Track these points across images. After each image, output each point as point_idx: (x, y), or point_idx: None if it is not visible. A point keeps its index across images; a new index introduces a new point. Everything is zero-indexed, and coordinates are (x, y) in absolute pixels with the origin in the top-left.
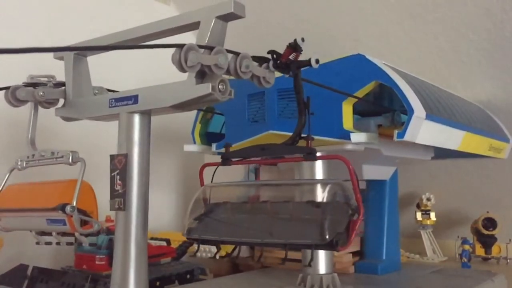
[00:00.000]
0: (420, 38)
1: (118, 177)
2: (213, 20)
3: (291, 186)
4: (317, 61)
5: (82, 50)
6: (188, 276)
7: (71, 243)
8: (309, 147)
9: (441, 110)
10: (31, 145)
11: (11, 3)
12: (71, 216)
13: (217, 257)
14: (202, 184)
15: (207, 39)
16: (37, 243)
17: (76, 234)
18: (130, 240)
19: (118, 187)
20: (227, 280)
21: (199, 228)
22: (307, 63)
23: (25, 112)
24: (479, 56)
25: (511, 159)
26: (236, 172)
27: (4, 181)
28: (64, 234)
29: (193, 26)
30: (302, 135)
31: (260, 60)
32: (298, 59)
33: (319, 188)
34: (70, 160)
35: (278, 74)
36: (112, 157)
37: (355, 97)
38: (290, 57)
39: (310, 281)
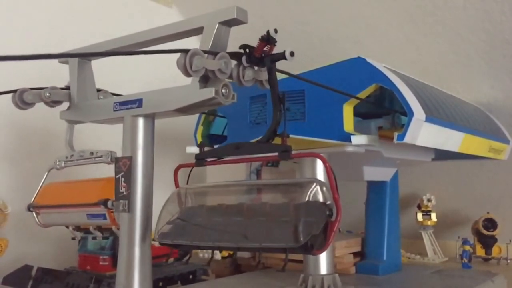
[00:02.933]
0: (420, 40)
1: (123, 179)
2: (216, 25)
3: (267, 186)
4: (291, 53)
5: (88, 56)
6: (190, 276)
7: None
8: (284, 144)
9: (441, 112)
10: (69, 146)
11: (15, 7)
12: (112, 211)
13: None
14: (176, 186)
15: (210, 44)
16: (73, 238)
17: (114, 228)
18: (134, 241)
19: (122, 189)
20: (229, 280)
21: (172, 233)
22: (281, 56)
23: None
24: (479, 58)
25: (511, 160)
26: (238, 174)
27: (42, 180)
28: (100, 228)
29: (197, 31)
30: (278, 133)
31: (232, 56)
32: (273, 52)
33: (294, 188)
34: (109, 159)
35: (279, 77)
36: (117, 159)
37: (357, 98)
38: (266, 49)
39: (311, 281)
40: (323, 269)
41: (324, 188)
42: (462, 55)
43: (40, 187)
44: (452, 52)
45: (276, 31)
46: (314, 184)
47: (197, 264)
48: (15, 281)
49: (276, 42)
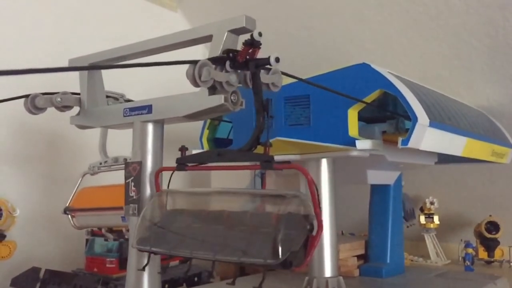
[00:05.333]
0: (423, 44)
1: (133, 183)
2: (225, 33)
3: (249, 195)
4: (277, 59)
5: (100, 69)
6: (195, 279)
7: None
8: (267, 154)
9: (444, 117)
10: (103, 152)
11: (23, 11)
12: None
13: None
14: (157, 189)
15: (219, 52)
16: (106, 239)
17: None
18: None
19: (132, 193)
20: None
21: (150, 239)
22: (266, 61)
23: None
24: (482, 63)
25: None
26: (242, 176)
27: (77, 185)
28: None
29: (206, 39)
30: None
31: (216, 61)
32: (257, 57)
33: (277, 199)
34: None
35: (285, 82)
36: (127, 164)
37: (363, 102)
38: (250, 52)
39: (316, 284)
40: (328, 271)
41: (307, 202)
42: (465, 59)
43: (75, 191)
44: (455, 57)
45: (260, 34)
46: (297, 198)
47: (202, 267)
48: (23, 283)
49: (260, 45)
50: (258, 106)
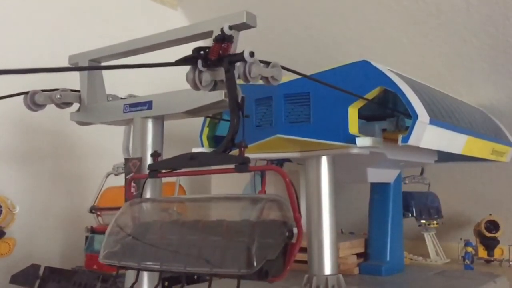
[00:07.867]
0: (424, 43)
1: (133, 180)
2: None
3: (226, 201)
4: (251, 54)
5: (99, 69)
6: (195, 276)
7: None
8: (242, 156)
9: (445, 115)
10: (126, 153)
11: (27, 9)
12: None
13: None
14: (129, 198)
15: None
16: None
17: None
18: None
19: (132, 190)
20: (234, 281)
21: (119, 252)
22: (240, 56)
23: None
24: (482, 61)
25: None
26: (243, 176)
27: (101, 185)
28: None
29: (206, 35)
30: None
31: (186, 61)
32: (230, 52)
33: (254, 205)
34: None
35: (285, 79)
36: (127, 160)
37: (364, 98)
38: (224, 46)
39: (315, 282)
40: (327, 269)
41: (286, 207)
42: (465, 58)
43: (99, 191)
44: (455, 55)
45: (230, 28)
46: (275, 202)
47: None
48: (23, 280)
49: (232, 39)
50: (232, 105)
